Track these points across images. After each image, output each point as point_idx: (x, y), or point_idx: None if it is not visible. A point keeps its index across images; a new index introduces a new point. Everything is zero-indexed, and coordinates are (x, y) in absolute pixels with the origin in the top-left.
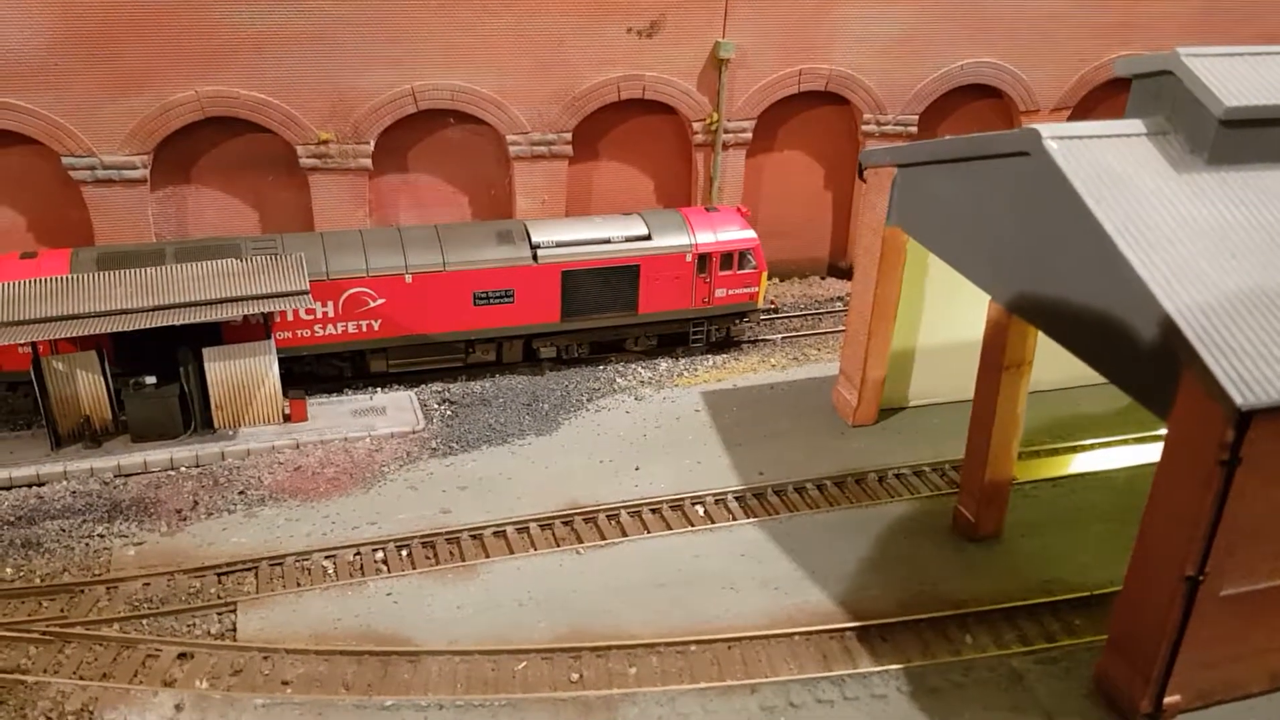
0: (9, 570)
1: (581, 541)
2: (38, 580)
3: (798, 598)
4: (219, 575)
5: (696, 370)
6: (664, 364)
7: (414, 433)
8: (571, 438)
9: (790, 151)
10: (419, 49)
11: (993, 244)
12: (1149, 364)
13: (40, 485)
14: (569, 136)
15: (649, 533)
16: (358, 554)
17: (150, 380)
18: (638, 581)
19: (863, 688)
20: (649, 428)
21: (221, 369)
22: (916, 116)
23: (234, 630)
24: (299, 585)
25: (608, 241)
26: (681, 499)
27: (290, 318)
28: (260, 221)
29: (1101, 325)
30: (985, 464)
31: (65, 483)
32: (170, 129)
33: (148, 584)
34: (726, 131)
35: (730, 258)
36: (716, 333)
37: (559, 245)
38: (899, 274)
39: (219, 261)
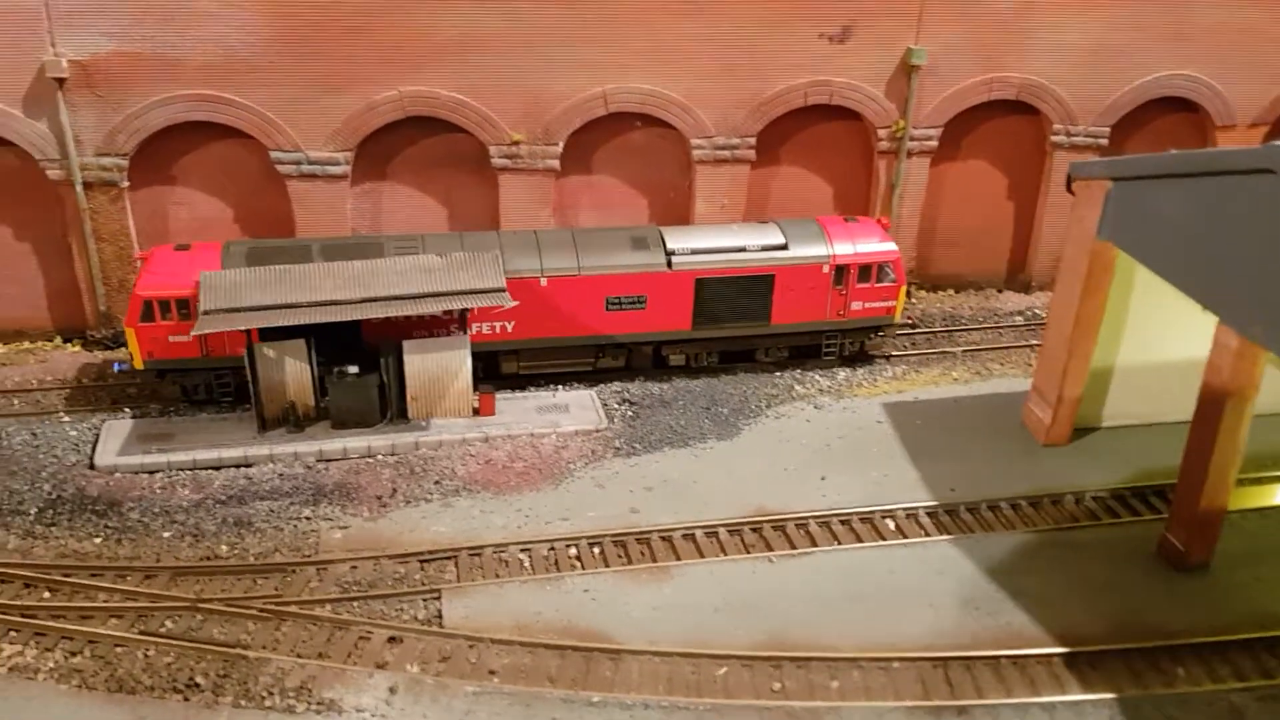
0: (224, 548)
1: (772, 549)
2: (251, 559)
3: (1000, 619)
4: (421, 562)
5: (876, 380)
6: (843, 373)
7: (597, 431)
8: (753, 443)
9: (974, 161)
10: (613, 53)
11: (1225, 265)
12: None
13: (248, 466)
14: (753, 141)
15: (840, 544)
16: (552, 549)
17: (353, 370)
18: (834, 594)
19: (1074, 715)
20: (831, 437)
21: (420, 362)
22: (1109, 129)
23: (439, 617)
24: (498, 576)
25: (743, 250)
26: (871, 512)
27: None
28: (449, 218)
29: None
30: (1201, 492)
31: (271, 465)
32: (373, 127)
33: (355, 567)
34: (912, 139)
35: (868, 270)
36: (850, 346)
37: (694, 253)
38: (1105, 291)
39: (421, 256)
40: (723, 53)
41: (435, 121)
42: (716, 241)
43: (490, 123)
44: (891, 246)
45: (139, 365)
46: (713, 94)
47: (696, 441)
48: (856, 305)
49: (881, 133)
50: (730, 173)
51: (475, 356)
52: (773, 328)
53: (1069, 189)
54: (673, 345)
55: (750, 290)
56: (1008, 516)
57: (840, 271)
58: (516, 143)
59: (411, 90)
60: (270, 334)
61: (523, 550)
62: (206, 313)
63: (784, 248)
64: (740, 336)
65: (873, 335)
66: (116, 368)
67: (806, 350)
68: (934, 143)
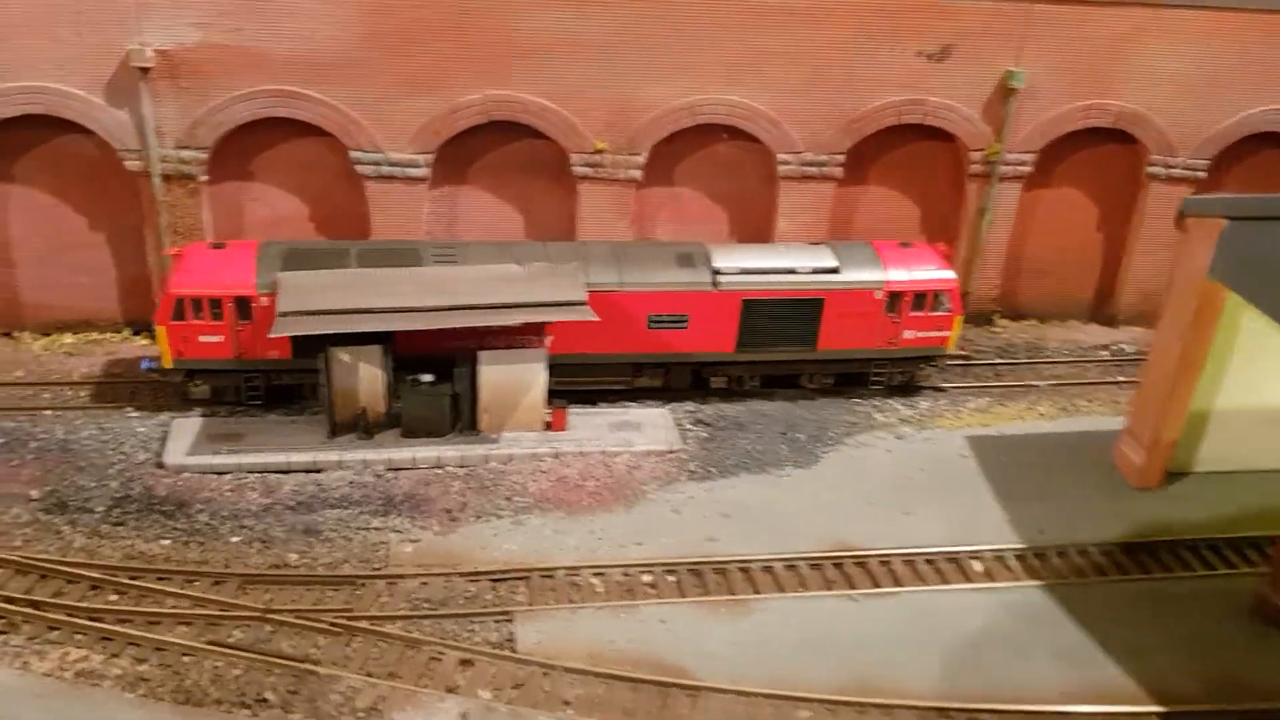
0: (293, 556)
1: (854, 587)
2: (320, 569)
3: (1092, 673)
4: (493, 581)
5: (959, 412)
6: (924, 403)
7: (671, 452)
8: (832, 473)
9: (1065, 188)
10: (703, 63)
11: None
12: None
13: (317, 472)
14: (841, 158)
15: (924, 585)
16: (626, 574)
17: (428, 378)
18: (919, 637)
19: None
20: (914, 470)
21: (495, 373)
22: (1208, 161)
23: (512, 641)
24: (571, 601)
25: (793, 272)
26: (957, 552)
27: None
28: (526, 226)
29: None
30: None
31: (340, 472)
32: (455, 130)
33: (425, 583)
34: (1005, 163)
35: (924, 298)
36: (900, 376)
37: (741, 273)
38: (1211, 332)
39: (498, 266)
40: (816, 67)
41: (518, 126)
42: (765, 262)
43: (574, 130)
44: (950, 274)
45: (168, 364)
46: (803, 108)
47: (774, 468)
48: (909, 334)
49: (975, 155)
50: (815, 190)
51: None
52: (820, 353)
53: (1178, 225)
54: (713, 367)
55: (798, 314)
56: (1098, 562)
57: (894, 298)
58: (600, 151)
59: (496, 94)
60: (343, 338)
61: (595, 574)
62: (284, 314)
63: (835, 271)
64: (785, 361)
65: (924, 365)
66: (144, 365)
67: (853, 378)
68: (1028, 168)
